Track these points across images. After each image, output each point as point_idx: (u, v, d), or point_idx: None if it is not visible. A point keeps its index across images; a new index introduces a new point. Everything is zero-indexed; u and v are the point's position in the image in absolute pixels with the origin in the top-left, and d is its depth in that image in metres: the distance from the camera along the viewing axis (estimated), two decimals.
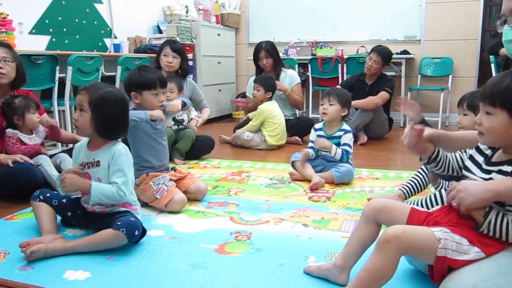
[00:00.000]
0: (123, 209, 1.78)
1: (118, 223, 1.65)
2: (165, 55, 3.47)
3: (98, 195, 1.70)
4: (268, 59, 4.12)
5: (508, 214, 1.17)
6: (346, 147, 2.71)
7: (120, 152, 1.75)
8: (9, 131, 2.47)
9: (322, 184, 2.60)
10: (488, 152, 1.29)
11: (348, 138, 2.74)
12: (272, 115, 3.79)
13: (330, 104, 2.74)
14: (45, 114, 2.71)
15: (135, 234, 1.67)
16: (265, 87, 3.79)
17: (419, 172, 2.20)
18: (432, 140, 1.37)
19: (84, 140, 1.86)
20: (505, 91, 1.16)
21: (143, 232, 1.75)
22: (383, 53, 4.15)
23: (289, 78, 4.22)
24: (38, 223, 1.81)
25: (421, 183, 2.18)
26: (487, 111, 1.20)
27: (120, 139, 1.84)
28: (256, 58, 4.23)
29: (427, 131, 1.35)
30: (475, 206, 1.17)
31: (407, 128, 1.36)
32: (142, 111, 2.28)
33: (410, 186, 2.18)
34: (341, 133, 2.76)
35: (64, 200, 1.87)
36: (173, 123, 3.32)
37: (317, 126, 2.86)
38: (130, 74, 2.36)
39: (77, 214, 1.87)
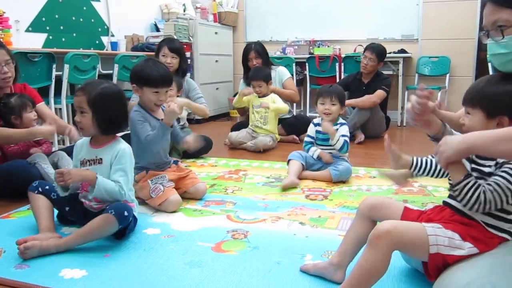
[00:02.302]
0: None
1: (107, 208, 1.66)
2: (163, 56, 3.43)
3: (101, 190, 1.70)
4: (258, 60, 4.12)
5: (483, 187, 1.18)
6: (345, 138, 2.73)
7: (124, 151, 1.76)
8: None
9: (292, 184, 2.56)
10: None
11: (345, 130, 2.76)
12: None
13: (333, 104, 2.75)
14: (43, 103, 2.70)
15: (124, 215, 1.66)
16: (264, 79, 3.71)
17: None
18: (435, 113, 1.39)
19: (85, 138, 1.86)
20: (480, 92, 1.26)
21: (134, 224, 1.76)
22: (377, 51, 4.18)
23: (279, 75, 4.22)
24: (35, 217, 1.79)
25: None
26: (467, 112, 1.29)
27: (122, 138, 1.83)
28: (245, 60, 4.22)
29: (432, 103, 1.36)
30: (452, 158, 1.18)
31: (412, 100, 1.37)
32: (160, 126, 2.14)
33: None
34: (337, 126, 2.78)
35: (61, 195, 1.86)
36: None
37: (315, 121, 2.89)
38: (136, 64, 2.31)
39: (75, 210, 1.85)
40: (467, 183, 1.18)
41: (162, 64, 2.34)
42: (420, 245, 1.20)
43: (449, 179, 1.27)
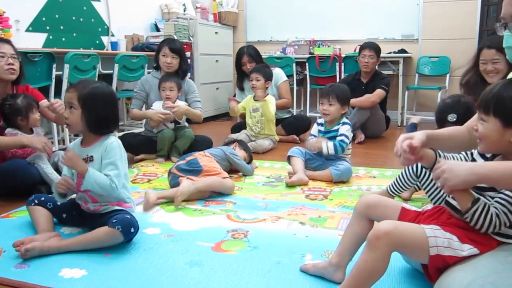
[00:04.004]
0: (117, 207, 1.78)
1: (114, 221, 1.65)
2: (164, 56, 3.41)
3: (92, 182, 1.68)
4: (251, 64, 4.08)
5: (494, 209, 1.16)
6: (342, 137, 2.72)
7: (112, 145, 1.75)
8: (9, 131, 2.45)
9: (301, 182, 2.60)
10: (489, 156, 1.28)
11: (345, 129, 2.75)
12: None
13: (330, 104, 2.75)
14: (45, 100, 2.70)
15: (130, 231, 1.67)
16: (265, 76, 3.70)
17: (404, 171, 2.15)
18: (425, 145, 1.32)
19: (77, 139, 1.86)
20: (496, 97, 1.18)
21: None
22: (375, 47, 4.22)
23: (275, 77, 4.15)
24: (34, 225, 1.82)
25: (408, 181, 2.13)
26: (482, 118, 1.21)
27: (114, 133, 1.84)
28: (239, 64, 4.19)
29: (416, 140, 1.28)
30: (458, 187, 1.15)
31: (398, 144, 1.31)
32: None
33: (396, 185, 2.17)
34: (339, 126, 2.78)
35: (58, 202, 1.87)
36: (170, 121, 3.32)
37: (319, 120, 2.90)
38: (243, 141, 3.17)
39: (72, 215, 1.87)
40: (477, 209, 1.15)
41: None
42: (420, 246, 1.19)
43: (446, 201, 1.25)
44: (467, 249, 1.19)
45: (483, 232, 1.18)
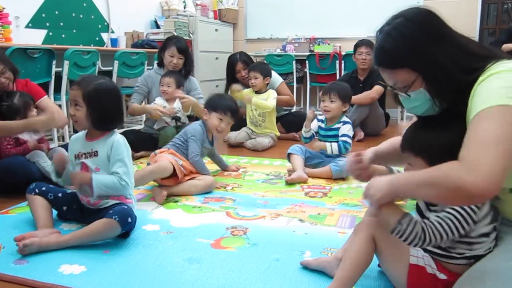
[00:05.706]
0: (117, 202, 1.78)
1: (110, 212, 1.66)
2: (171, 56, 3.40)
3: (100, 186, 1.70)
4: (246, 70, 3.96)
5: (423, 224, 1.13)
6: (345, 138, 2.73)
7: (118, 142, 1.76)
8: None
9: (300, 180, 2.59)
10: None
11: (347, 129, 2.76)
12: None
13: (331, 101, 2.75)
14: (46, 96, 2.68)
15: (128, 221, 1.67)
16: (263, 73, 3.67)
17: None
18: (373, 161, 1.44)
19: (81, 132, 1.86)
20: (417, 140, 1.21)
21: (134, 222, 1.76)
22: (371, 44, 4.21)
23: (271, 82, 3.98)
24: (33, 217, 1.81)
25: None
26: (409, 162, 1.23)
27: (116, 130, 1.84)
28: (232, 71, 4.06)
29: (365, 156, 1.42)
30: (384, 200, 1.14)
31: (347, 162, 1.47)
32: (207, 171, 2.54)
33: None
34: (340, 124, 2.78)
35: (60, 194, 1.86)
36: (170, 118, 3.32)
37: (320, 117, 2.90)
38: (213, 96, 2.78)
39: (72, 209, 1.87)
40: (408, 225, 1.12)
41: (233, 100, 2.74)
42: (400, 249, 1.21)
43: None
44: (442, 276, 1.18)
45: (413, 246, 1.16)
